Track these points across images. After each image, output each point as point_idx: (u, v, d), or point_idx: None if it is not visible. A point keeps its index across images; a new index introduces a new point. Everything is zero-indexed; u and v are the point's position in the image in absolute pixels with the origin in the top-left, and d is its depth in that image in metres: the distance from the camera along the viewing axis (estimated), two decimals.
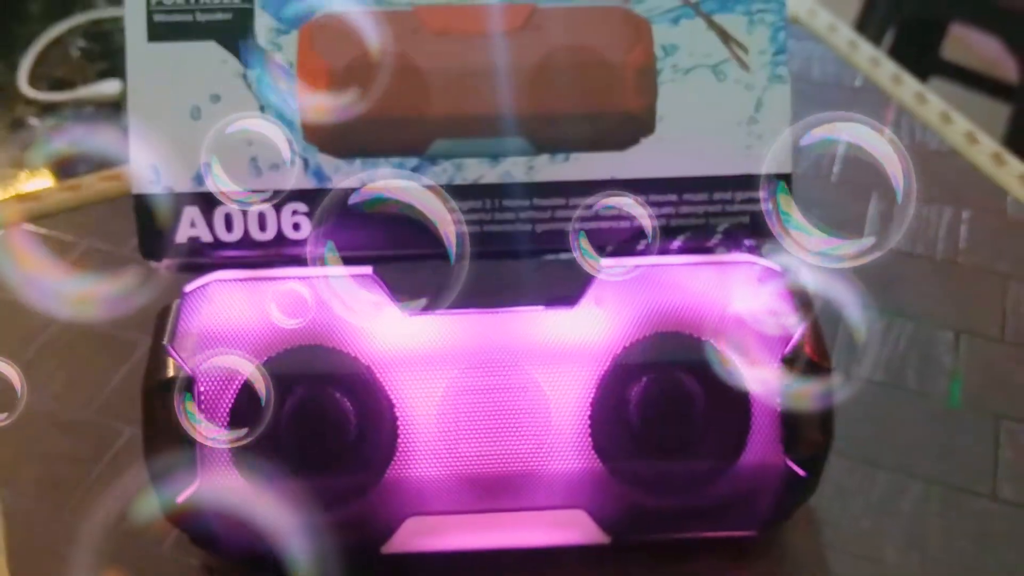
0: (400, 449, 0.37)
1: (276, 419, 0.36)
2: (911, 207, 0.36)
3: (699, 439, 0.37)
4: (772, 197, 0.36)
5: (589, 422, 0.37)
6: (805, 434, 0.38)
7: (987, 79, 1.38)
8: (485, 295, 0.38)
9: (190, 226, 0.42)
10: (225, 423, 0.36)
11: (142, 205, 0.42)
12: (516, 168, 0.42)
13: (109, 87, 0.69)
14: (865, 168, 0.60)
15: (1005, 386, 0.49)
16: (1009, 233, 0.57)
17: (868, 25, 1.33)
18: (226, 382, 0.36)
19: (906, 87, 0.66)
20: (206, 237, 0.42)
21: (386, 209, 0.34)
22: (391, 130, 0.42)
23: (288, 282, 0.37)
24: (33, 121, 0.70)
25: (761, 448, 0.37)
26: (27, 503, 0.43)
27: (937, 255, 0.55)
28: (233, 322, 0.37)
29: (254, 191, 0.38)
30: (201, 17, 0.41)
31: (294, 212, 0.42)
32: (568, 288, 0.39)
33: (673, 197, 0.43)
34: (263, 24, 0.42)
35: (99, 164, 0.65)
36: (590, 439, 0.37)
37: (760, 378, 0.37)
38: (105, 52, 0.74)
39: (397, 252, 0.43)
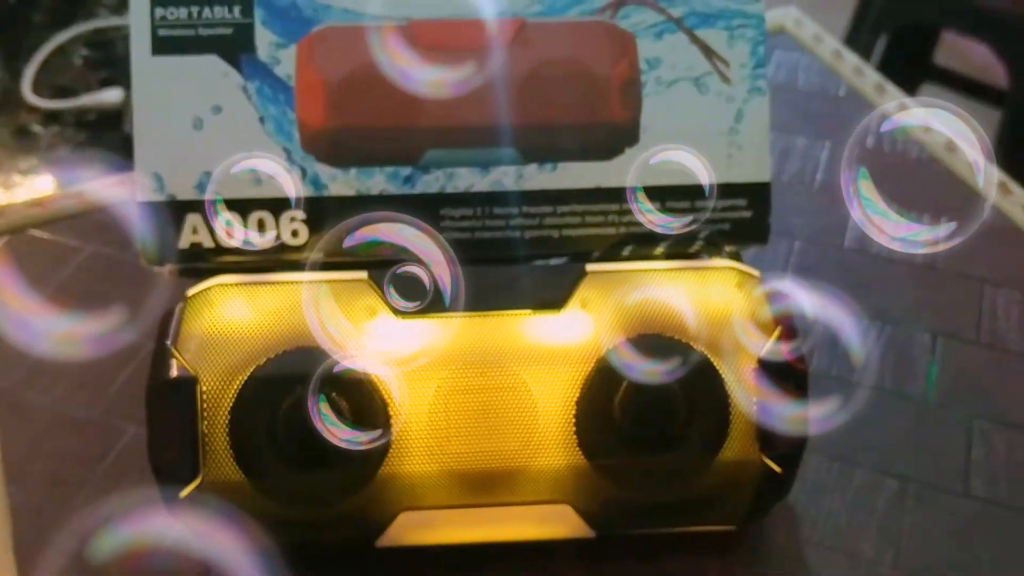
0: (394, 446, 0.38)
1: (275, 417, 0.37)
2: (993, 192, 0.37)
3: (679, 437, 0.39)
4: (853, 183, 0.36)
5: (574, 421, 0.38)
6: (780, 433, 0.39)
7: (978, 85, 1.40)
8: (475, 299, 0.39)
9: (192, 232, 0.43)
10: (359, 425, 0.36)
11: (146, 212, 0.43)
12: (506, 177, 0.44)
13: (111, 95, 0.70)
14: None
15: (979, 387, 0.50)
16: (986, 239, 0.58)
17: (860, 32, 1.33)
18: (227, 381, 0.38)
19: (889, 96, 0.67)
20: (208, 243, 0.43)
21: (380, 252, 0.35)
22: (385, 140, 0.43)
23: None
24: (37, 128, 0.71)
25: (738, 446, 0.39)
26: (34, 499, 0.45)
27: (916, 260, 0.57)
28: (234, 324, 0.39)
29: (258, 236, 0.40)
30: (203, 32, 0.43)
31: (292, 219, 0.43)
32: (555, 292, 0.40)
33: (656, 205, 0.44)
34: (263, 38, 0.43)
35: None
36: (575, 437, 0.38)
37: (737, 379, 0.39)
38: (107, 60, 0.75)
39: (391, 257, 0.44)
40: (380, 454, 0.38)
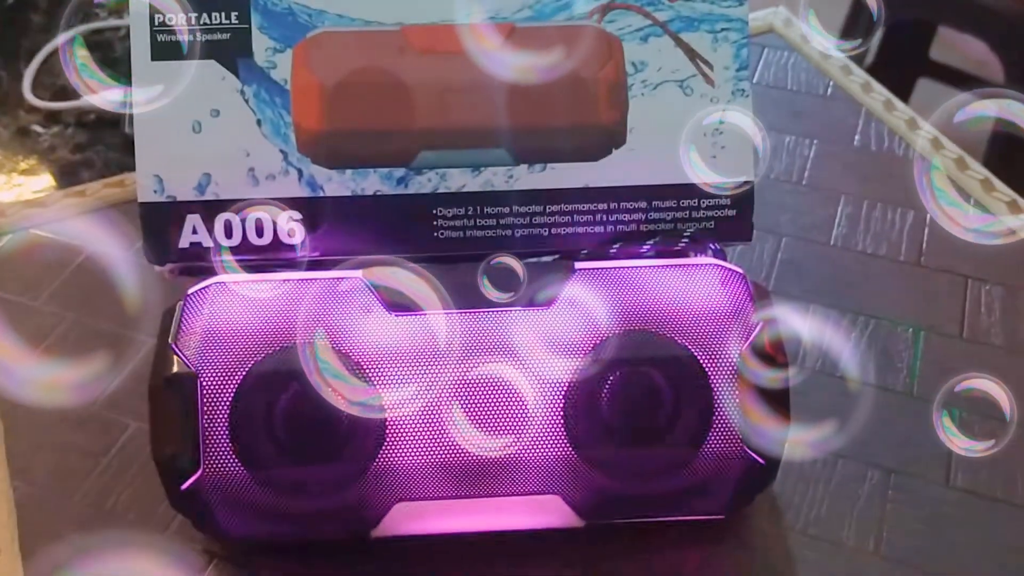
0: (388, 439, 0.39)
1: (273, 412, 0.38)
2: None
3: (665, 430, 0.40)
4: (926, 173, 0.37)
5: (563, 414, 0.39)
6: (763, 425, 0.40)
7: (974, 80, 1.40)
8: (468, 296, 0.41)
9: (192, 232, 0.44)
10: None
11: (147, 213, 0.44)
12: (497, 177, 0.45)
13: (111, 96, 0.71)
14: (834, 173, 0.63)
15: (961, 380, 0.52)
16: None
17: (857, 27, 1.34)
18: (226, 377, 0.39)
19: (875, 95, 0.68)
20: (207, 242, 0.44)
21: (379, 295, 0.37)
22: (379, 142, 0.44)
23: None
24: (37, 128, 0.72)
25: (723, 438, 0.40)
26: (39, 492, 0.46)
27: (901, 256, 0.58)
28: (233, 322, 0.40)
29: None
30: (201, 37, 0.44)
31: (289, 219, 0.44)
32: (545, 289, 0.41)
33: (643, 204, 0.45)
34: (260, 43, 0.44)
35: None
36: (564, 430, 0.39)
37: (721, 372, 0.40)
38: (105, 61, 0.76)
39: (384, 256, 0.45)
40: (375, 447, 0.39)
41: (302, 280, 0.42)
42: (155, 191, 0.44)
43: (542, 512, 0.41)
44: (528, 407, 0.39)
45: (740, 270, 0.42)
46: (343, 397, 0.37)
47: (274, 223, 0.44)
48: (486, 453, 0.39)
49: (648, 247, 0.45)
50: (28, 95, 0.72)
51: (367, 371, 0.39)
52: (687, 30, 0.45)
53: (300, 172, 0.44)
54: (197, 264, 0.44)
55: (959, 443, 0.39)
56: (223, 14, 0.44)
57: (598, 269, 0.42)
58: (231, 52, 0.44)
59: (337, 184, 0.44)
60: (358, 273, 0.41)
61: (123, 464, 0.47)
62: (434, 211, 0.45)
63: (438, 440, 0.39)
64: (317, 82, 0.44)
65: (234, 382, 0.39)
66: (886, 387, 0.51)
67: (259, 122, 0.44)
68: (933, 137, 0.65)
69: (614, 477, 0.40)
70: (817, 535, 0.45)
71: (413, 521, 0.41)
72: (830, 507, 0.46)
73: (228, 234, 0.44)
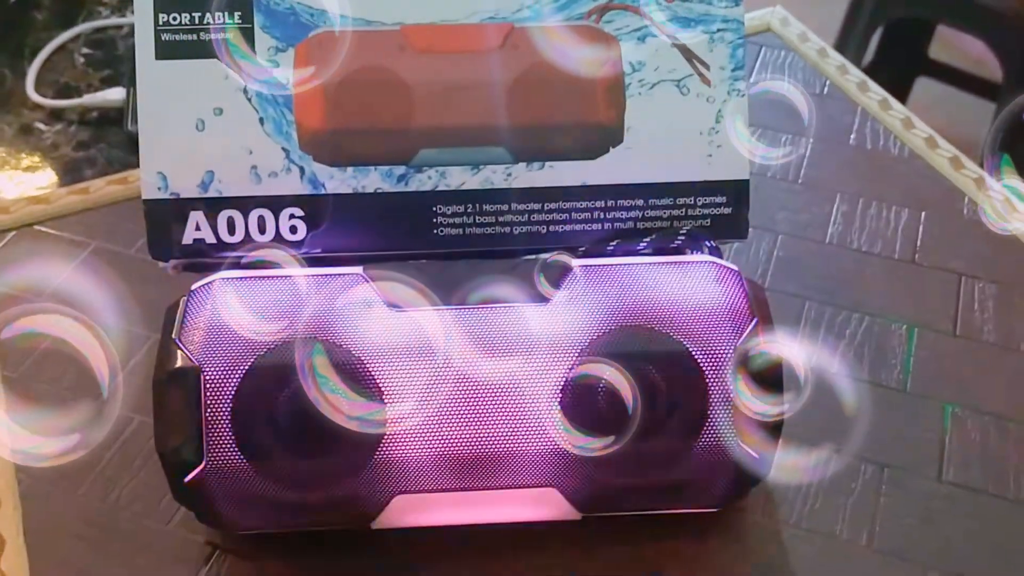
0: (388, 433, 0.39)
1: (275, 405, 0.39)
2: None
3: (660, 423, 0.40)
4: (996, 170, 0.37)
5: (560, 407, 0.40)
6: (757, 419, 0.41)
7: (973, 79, 1.41)
8: (467, 292, 0.41)
9: (195, 229, 0.45)
10: None
11: (151, 210, 0.45)
12: (496, 175, 0.45)
13: (113, 94, 0.71)
14: (830, 172, 0.64)
15: (954, 377, 0.52)
16: (965, 233, 0.60)
17: (855, 25, 1.34)
18: (229, 371, 0.39)
19: (871, 94, 0.69)
20: (210, 239, 0.45)
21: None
22: (380, 141, 0.45)
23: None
24: (40, 126, 0.73)
25: (717, 432, 0.41)
26: (43, 486, 0.46)
27: (895, 254, 0.59)
28: (236, 317, 0.40)
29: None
30: (205, 36, 0.44)
31: (291, 216, 0.45)
32: (543, 285, 0.42)
33: (640, 202, 0.46)
34: (262, 43, 0.45)
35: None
36: (561, 423, 0.40)
37: (715, 368, 0.40)
38: (108, 59, 0.77)
39: (385, 252, 0.45)
40: (375, 440, 0.39)
41: (304, 276, 0.42)
42: (159, 188, 0.44)
43: (540, 505, 0.42)
44: (526, 401, 0.40)
45: (735, 267, 0.43)
46: (340, 412, 0.37)
47: (276, 221, 0.45)
48: (484, 446, 0.40)
49: (645, 244, 0.46)
50: (31, 93, 0.73)
51: (368, 366, 0.39)
52: (684, 30, 0.45)
53: (302, 170, 0.45)
54: (200, 260, 0.45)
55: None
56: (226, 14, 0.44)
57: (595, 266, 0.43)
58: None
59: (338, 181, 0.45)
60: (359, 269, 0.42)
61: (127, 457, 0.47)
62: (434, 208, 0.45)
63: (437, 434, 0.40)
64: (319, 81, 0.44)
65: (237, 376, 0.39)
66: (879, 383, 0.52)
67: (261, 120, 0.44)
68: (928, 136, 0.66)
69: (610, 470, 0.41)
70: (811, 528, 0.45)
71: (413, 513, 0.42)
72: (824, 501, 0.46)
73: (231, 231, 0.45)
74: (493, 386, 0.40)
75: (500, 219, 0.45)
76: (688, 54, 0.45)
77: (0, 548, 0.44)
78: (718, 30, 0.45)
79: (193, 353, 0.39)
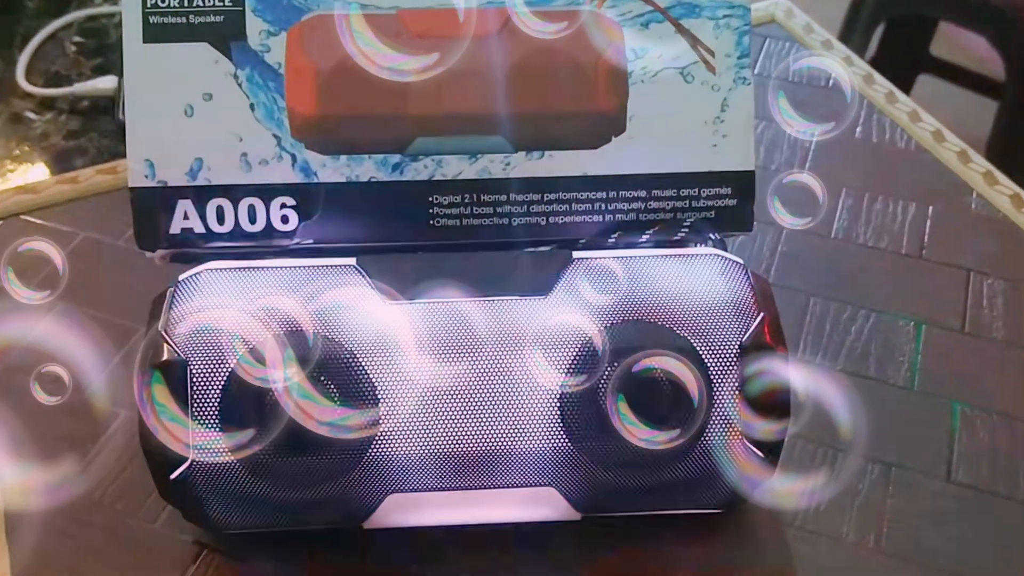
0: (381, 430, 0.38)
1: (264, 400, 0.38)
2: None
3: (663, 421, 0.39)
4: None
5: (559, 404, 0.39)
6: (763, 417, 0.40)
7: (975, 77, 1.40)
8: (463, 284, 0.40)
9: (183, 218, 0.44)
10: None
11: (138, 198, 0.43)
12: (494, 165, 0.44)
13: (104, 83, 0.70)
14: (835, 165, 0.63)
15: (963, 375, 0.51)
16: (972, 228, 0.59)
17: (856, 22, 1.34)
18: (217, 365, 0.38)
19: (877, 87, 0.68)
20: (199, 228, 0.44)
21: None
22: (374, 128, 0.43)
23: None
24: (30, 115, 0.71)
25: (721, 430, 0.39)
26: (27, 480, 0.45)
27: (903, 249, 0.57)
28: (224, 308, 0.39)
29: None
30: (194, 19, 0.43)
31: (282, 205, 0.44)
32: (542, 278, 0.41)
33: (643, 193, 0.44)
34: (254, 26, 0.43)
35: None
36: (560, 421, 0.39)
37: (721, 364, 0.39)
38: (100, 48, 0.75)
39: (379, 244, 0.44)
40: (367, 437, 0.38)
41: (295, 267, 0.41)
42: (146, 176, 0.43)
43: (537, 505, 0.41)
44: (524, 397, 0.39)
45: (740, 261, 0.42)
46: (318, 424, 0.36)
47: (267, 211, 0.44)
48: (481, 444, 0.39)
49: (647, 236, 0.44)
50: (22, 81, 0.71)
51: (361, 360, 0.38)
52: (689, 16, 0.44)
53: (294, 157, 0.43)
54: (188, 250, 0.44)
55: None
56: None
57: (596, 259, 0.41)
58: (224, 35, 0.43)
59: (331, 170, 0.44)
60: (352, 261, 0.41)
61: (112, 453, 0.46)
62: (430, 199, 0.44)
63: (432, 431, 0.39)
64: (312, 66, 0.43)
65: (224, 370, 0.38)
66: (887, 381, 0.51)
67: (252, 106, 0.43)
68: (935, 130, 0.65)
69: (611, 470, 0.40)
70: (816, 530, 0.44)
71: (406, 513, 0.41)
72: (830, 501, 0.45)
73: (220, 220, 0.43)
74: (490, 381, 0.39)
75: (498, 210, 0.44)
76: (693, 41, 0.44)
77: None
78: (724, 16, 0.44)
79: (179, 346, 0.38)
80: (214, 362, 0.38)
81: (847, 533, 0.44)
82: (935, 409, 0.49)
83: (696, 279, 0.41)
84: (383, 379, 0.38)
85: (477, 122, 0.44)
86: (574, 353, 0.39)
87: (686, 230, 0.44)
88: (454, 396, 0.39)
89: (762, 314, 0.40)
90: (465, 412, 0.39)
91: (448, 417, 0.39)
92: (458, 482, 0.40)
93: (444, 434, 0.39)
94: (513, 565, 0.43)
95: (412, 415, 0.39)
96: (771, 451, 0.40)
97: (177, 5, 0.43)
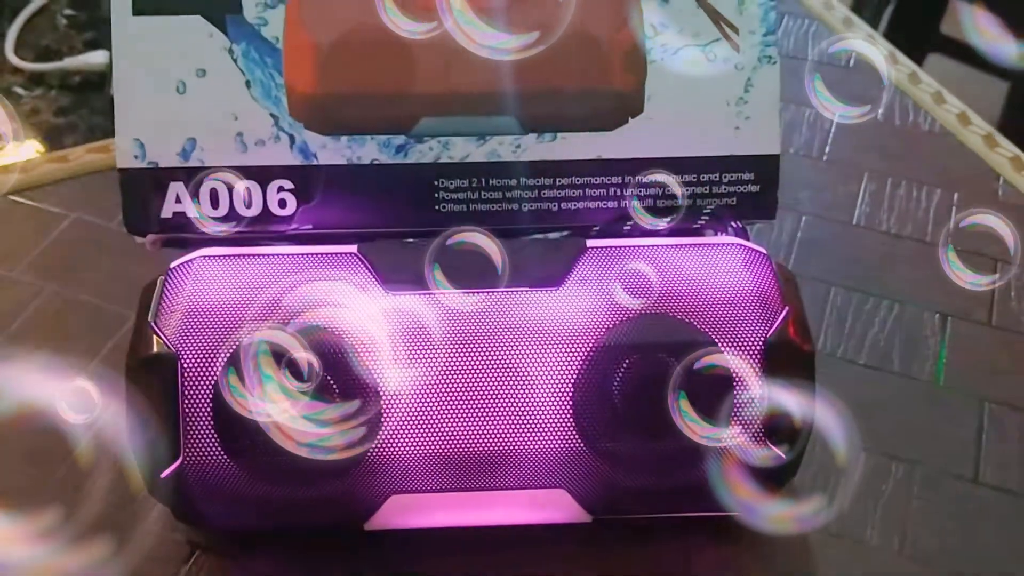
0: (383, 428, 0.37)
1: None
2: None
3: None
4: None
5: (571, 402, 0.37)
6: (787, 417, 0.38)
7: (987, 55, 1.38)
8: (470, 274, 0.38)
9: (175, 201, 0.42)
10: None
11: (127, 180, 0.42)
12: (503, 147, 0.42)
13: (96, 57, 0.68)
14: (856, 148, 0.61)
15: (991, 370, 0.49)
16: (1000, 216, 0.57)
17: (867, 1, 1.32)
18: (209, 358, 0.36)
19: (900, 66, 0.65)
20: (191, 212, 0.42)
21: None
22: (378, 107, 0.42)
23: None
24: (19, 90, 0.70)
25: (743, 430, 0.37)
26: (12, 477, 0.44)
27: (927, 237, 0.55)
28: (217, 298, 0.37)
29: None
30: None
31: (280, 189, 0.42)
32: (553, 268, 0.39)
33: (659, 177, 0.42)
34: None
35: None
36: (572, 419, 0.37)
37: (742, 360, 0.37)
38: (91, 21, 0.74)
39: (382, 230, 0.42)
40: (369, 435, 0.36)
41: (292, 254, 0.39)
42: (136, 156, 0.41)
43: (546, 507, 0.39)
44: (534, 395, 0.37)
45: (764, 250, 0.40)
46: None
47: (264, 194, 0.42)
48: (487, 444, 0.37)
49: (665, 224, 0.42)
50: (11, 56, 0.70)
51: (360, 354, 0.36)
52: None
53: (292, 138, 0.42)
54: (181, 235, 0.42)
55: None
56: None
57: (611, 247, 0.40)
58: (219, 7, 0.41)
59: (332, 152, 0.42)
60: (353, 247, 0.39)
61: (101, 448, 0.44)
62: (436, 182, 0.42)
63: (437, 428, 0.37)
64: (312, 41, 0.41)
65: (218, 363, 0.36)
66: (911, 376, 0.49)
67: (248, 83, 0.41)
68: (960, 112, 0.62)
69: (625, 471, 0.38)
70: (838, 533, 0.43)
71: (409, 514, 0.39)
72: (852, 503, 0.43)
73: (215, 204, 0.42)
74: (498, 378, 0.37)
75: (507, 195, 0.42)
76: (716, 16, 0.42)
77: None
78: None
79: (170, 338, 0.37)
80: (207, 355, 0.36)
81: (870, 536, 0.43)
82: (962, 406, 0.48)
83: (718, 270, 0.39)
84: (385, 375, 0.37)
85: (486, 101, 0.42)
86: (588, 349, 0.37)
87: (707, 217, 0.42)
88: (460, 393, 0.37)
89: (787, 308, 0.38)
90: (472, 410, 0.37)
91: (453, 415, 0.37)
92: (464, 483, 0.38)
93: (449, 433, 0.37)
94: (521, 569, 0.41)
95: (415, 412, 0.37)
96: (794, 451, 0.38)
97: None
